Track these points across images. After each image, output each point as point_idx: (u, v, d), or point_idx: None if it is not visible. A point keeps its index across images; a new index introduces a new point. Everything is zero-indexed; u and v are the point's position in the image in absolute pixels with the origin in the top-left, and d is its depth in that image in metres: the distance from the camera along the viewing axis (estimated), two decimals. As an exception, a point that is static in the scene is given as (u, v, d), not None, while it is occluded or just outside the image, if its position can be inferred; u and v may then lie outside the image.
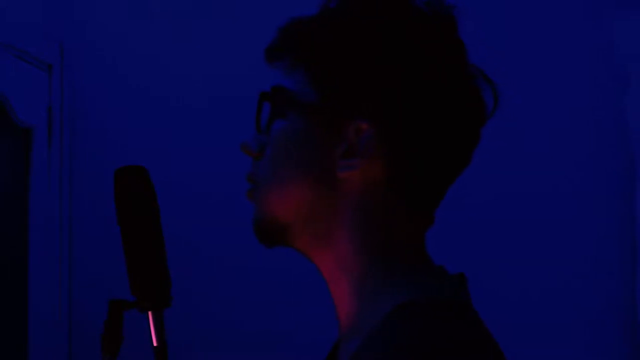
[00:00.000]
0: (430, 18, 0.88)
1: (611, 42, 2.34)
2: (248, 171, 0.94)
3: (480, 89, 0.89)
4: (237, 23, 2.56)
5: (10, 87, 2.40)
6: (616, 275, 2.33)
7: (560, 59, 2.39)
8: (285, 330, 2.46)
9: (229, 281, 2.51)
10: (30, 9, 2.51)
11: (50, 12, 2.61)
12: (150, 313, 0.98)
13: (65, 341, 2.56)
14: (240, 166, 2.71)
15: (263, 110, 0.93)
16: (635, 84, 2.32)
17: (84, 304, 2.57)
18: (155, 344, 0.98)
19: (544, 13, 2.41)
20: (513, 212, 2.38)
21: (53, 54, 2.58)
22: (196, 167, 2.55)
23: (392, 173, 0.86)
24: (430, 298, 0.83)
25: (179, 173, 2.52)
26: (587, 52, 2.38)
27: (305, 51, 0.89)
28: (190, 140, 2.57)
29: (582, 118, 2.37)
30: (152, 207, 0.99)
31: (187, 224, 2.48)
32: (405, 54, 0.86)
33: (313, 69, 0.88)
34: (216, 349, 2.50)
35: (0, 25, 2.35)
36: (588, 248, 2.35)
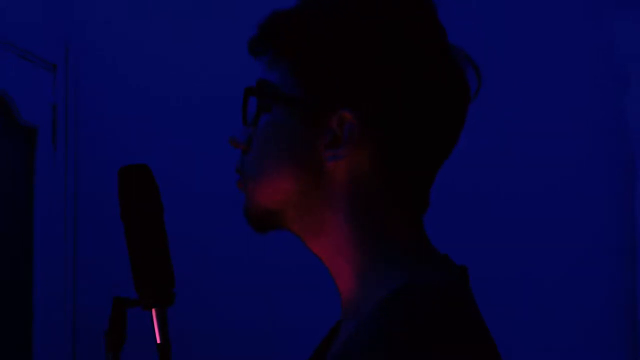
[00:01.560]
0: (408, 3, 0.89)
1: (611, 42, 2.34)
2: (236, 164, 0.95)
3: (464, 70, 0.90)
4: (240, 22, 2.56)
5: (14, 87, 2.41)
6: (616, 275, 2.33)
7: (560, 59, 2.40)
8: (287, 328, 2.46)
9: (232, 279, 2.52)
10: (34, 9, 2.52)
11: (55, 12, 2.62)
12: (153, 310, 0.99)
13: (70, 338, 2.57)
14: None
15: (250, 104, 0.94)
16: (635, 84, 2.31)
17: (89, 302, 2.58)
18: (158, 341, 0.99)
19: (544, 13, 2.41)
20: (513, 211, 2.38)
21: (57, 54, 2.59)
22: (199, 165, 2.56)
23: (378, 160, 0.87)
24: (425, 284, 0.83)
25: (182, 172, 2.53)
26: (587, 52, 2.39)
27: (286, 44, 0.90)
28: (193, 139, 2.58)
29: (582, 118, 2.38)
30: (155, 205, 1.00)
31: (190, 222, 2.49)
32: (385, 41, 0.86)
33: (295, 62, 0.89)
34: (219, 346, 2.51)
35: (4, 25, 2.36)
36: (588, 248, 2.35)
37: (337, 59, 0.87)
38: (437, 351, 0.76)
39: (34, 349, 2.45)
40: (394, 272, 0.86)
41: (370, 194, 0.88)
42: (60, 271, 2.56)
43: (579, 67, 2.39)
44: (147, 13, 2.64)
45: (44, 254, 2.51)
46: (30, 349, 2.45)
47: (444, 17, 0.93)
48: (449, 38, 0.92)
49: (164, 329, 1.00)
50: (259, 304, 2.50)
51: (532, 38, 2.41)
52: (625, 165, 2.33)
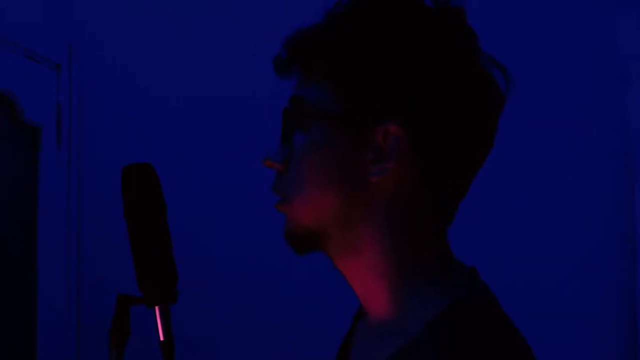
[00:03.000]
0: (442, 14, 0.88)
1: (614, 41, 2.34)
2: (272, 183, 0.93)
3: (496, 80, 0.90)
4: (247, 22, 2.58)
5: (19, 86, 2.42)
6: (616, 275, 2.33)
7: (562, 58, 2.40)
8: (290, 326, 2.47)
9: (234, 277, 2.53)
10: (38, 9, 2.53)
11: (59, 12, 2.63)
12: (157, 308, 0.99)
13: (74, 336, 2.58)
14: (246, 164, 2.71)
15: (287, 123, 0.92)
16: (637, 83, 2.32)
17: (92, 300, 2.59)
18: (161, 338, 0.99)
19: (547, 12, 2.41)
20: (513, 210, 2.38)
21: (61, 54, 2.60)
22: (202, 165, 2.57)
23: (422, 174, 0.86)
24: (470, 302, 0.84)
25: (185, 171, 2.54)
26: (590, 52, 2.39)
27: (321, 62, 0.88)
28: (197, 138, 2.59)
29: (584, 117, 2.38)
30: (158, 204, 1.00)
31: (194, 220, 2.50)
32: (428, 54, 0.85)
33: (333, 79, 0.87)
34: (221, 344, 2.51)
35: (9, 25, 2.37)
36: (588, 247, 2.35)
37: (378, 72, 0.85)
38: None
39: (38, 346, 2.47)
40: (436, 291, 0.85)
41: (411, 209, 0.87)
42: (64, 269, 2.57)
43: (581, 67, 2.39)
44: (151, 13, 2.65)
45: (48, 252, 2.52)
46: (35, 346, 2.46)
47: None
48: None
49: (167, 327, 1.00)
50: (261, 302, 2.50)
51: (535, 37, 2.41)
52: (626, 165, 2.33)
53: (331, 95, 0.87)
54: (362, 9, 0.89)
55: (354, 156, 0.87)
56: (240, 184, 2.50)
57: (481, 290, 0.87)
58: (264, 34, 2.53)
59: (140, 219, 0.99)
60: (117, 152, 2.58)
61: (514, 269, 2.35)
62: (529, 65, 2.37)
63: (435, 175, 0.87)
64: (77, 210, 2.62)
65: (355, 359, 0.92)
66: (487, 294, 0.87)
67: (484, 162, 0.91)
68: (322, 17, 0.91)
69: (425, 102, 0.85)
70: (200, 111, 2.59)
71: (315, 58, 0.89)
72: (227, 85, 2.57)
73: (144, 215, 0.99)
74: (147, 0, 2.66)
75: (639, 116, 2.31)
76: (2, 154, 2.40)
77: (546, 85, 2.38)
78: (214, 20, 2.61)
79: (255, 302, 2.51)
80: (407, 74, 0.85)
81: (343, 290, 1.01)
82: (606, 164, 2.35)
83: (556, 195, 2.37)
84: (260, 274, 2.50)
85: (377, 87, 0.85)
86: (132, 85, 2.64)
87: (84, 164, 2.64)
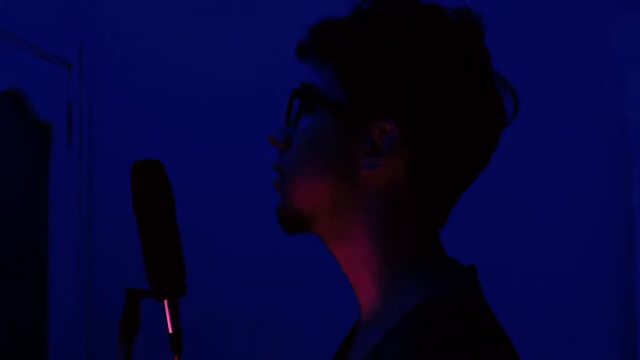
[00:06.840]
0: (458, 24, 0.90)
1: (612, 43, 2.34)
2: (274, 161, 0.96)
3: (502, 94, 0.91)
4: (254, 23, 2.59)
5: (31, 85, 2.44)
6: (614, 273, 2.33)
7: (561, 59, 2.39)
8: (295, 319, 2.49)
9: (242, 271, 2.54)
10: (51, 10, 2.55)
11: (71, 14, 2.65)
12: (165, 302, 1.00)
13: (85, 329, 2.60)
14: (251, 162, 2.73)
15: (293, 104, 0.94)
16: (634, 84, 2.31)
17: (103, 294, 2.61)
18: (170, 331, 1.01)
19: (546, 14, 2.41)
20: (512, 209, 2.38)
21: (73, 54, 2.62)
22: (210, 161, 2.59)
23: (413, 173, 0.88)
24: (448, 296, 0.85)
25: (193, 168, 2.56)
26: (588, 54, 2.38)
27: (334, 50, 0.91)
28: (206, 136, 2.60)
29: (582, 117, 2.38)
30: (167, 199, 1.01)
31: (202, 217, 2.52)
32: (433, 57, 0.87)
33: (341, 68, 0.89)
34: (229, 337, 2.53)
35: (23, 24, 2.39)
36: (585, 246, 2.34)
37: (384, 70, 0.87)
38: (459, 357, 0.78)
39: (50, 340, 2.49)
40: (417, 284, 0.87)
41: (401, 206, 0.89)
42: (75, 264, 2.60)
43: (579, 69, 2.38)
44: (160, 14, 2.67)
45: (60, 247, 2.54)
46: (47, 339, 2.49)
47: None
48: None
49: (176, 320, 1.01)
50: (268, 296, 2.52)
51: (534, 37, 2.41)
52: (624, 164, 2.33)
53: (338, 84, 0.89)
54: (382, 8, 0.91)
55: (349, 146, 0.89)
56: (248, 181, 2.52)
57: (462, 288, 0.88)
58: (270, 34, 2.55)
59: (149, 214, 1.00)
60: (126, 150, 2.61)
61: (510, 268, 2.35)
62: (528, 65, 2.37)
63: (425, 178, 0.89)
64: (88, 207, 2.65)
65: (354, 350, 0.94)
66: (466, 293, 0.87)
67: (479, 174, 0.92)
68: (349, 12, 0.93)
69: (425, 107, 0.87)
70: (208, 110, 2.61)
71: (328, 46, 0.91)
72: (237, 85, 2.59)
73: (153, 211, 1.00)
74: (157, 1, 2.68)
75: (637, 116, 2.31)
76: (14, 151, 2.42)
77: (545, 85, 2.38)
78: (222, 21, 2.62)
79: (263, 295, 2.52)
80: (411, 76, 0.86)
81: (347, 286, 1.02)
82: (604, 163, 2.35)
83: (554, 194, 2.38)
84: (266, 268, 2.52)
85: (379, 83, 0.87)
86: (141, 85, 2.66)
87: (95, 161, 2.66)
